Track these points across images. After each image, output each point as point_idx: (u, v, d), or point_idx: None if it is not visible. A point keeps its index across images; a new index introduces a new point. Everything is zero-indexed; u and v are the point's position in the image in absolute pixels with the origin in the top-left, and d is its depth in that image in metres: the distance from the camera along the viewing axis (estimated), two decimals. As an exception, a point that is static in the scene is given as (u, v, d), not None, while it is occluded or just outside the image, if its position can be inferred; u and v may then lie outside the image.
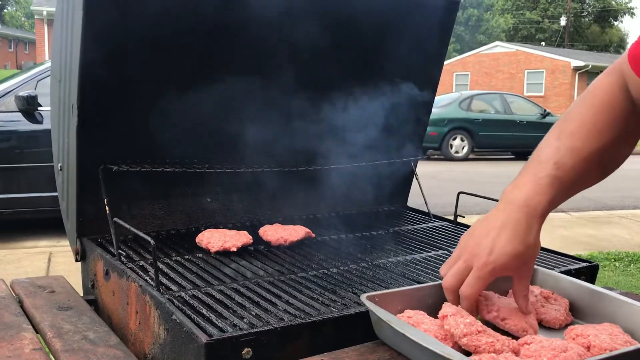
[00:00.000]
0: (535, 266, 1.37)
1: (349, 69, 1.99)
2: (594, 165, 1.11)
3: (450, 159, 13.26)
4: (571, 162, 1.09)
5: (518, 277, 1.10)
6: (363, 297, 1.14)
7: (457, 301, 1.12)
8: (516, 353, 1.05)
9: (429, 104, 2.30)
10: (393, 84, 2.08)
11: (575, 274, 1.50)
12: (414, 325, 1.09)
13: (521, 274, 1.10)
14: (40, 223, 5.49)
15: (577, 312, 1.26)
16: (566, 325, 1.21)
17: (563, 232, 6.42)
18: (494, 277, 1.08)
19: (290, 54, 1.86)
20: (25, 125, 5.20)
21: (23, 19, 62.66)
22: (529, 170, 1.12)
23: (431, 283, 1.31)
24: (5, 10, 63.00)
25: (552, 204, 1.10)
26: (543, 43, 46.10)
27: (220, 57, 1.76)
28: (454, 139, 13.41)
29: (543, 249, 1.73)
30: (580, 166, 1.09)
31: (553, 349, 1.03)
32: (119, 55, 1.58)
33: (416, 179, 2.25)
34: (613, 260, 5.17)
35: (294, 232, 1.71)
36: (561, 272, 1.43)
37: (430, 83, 2.24)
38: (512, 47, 32.06)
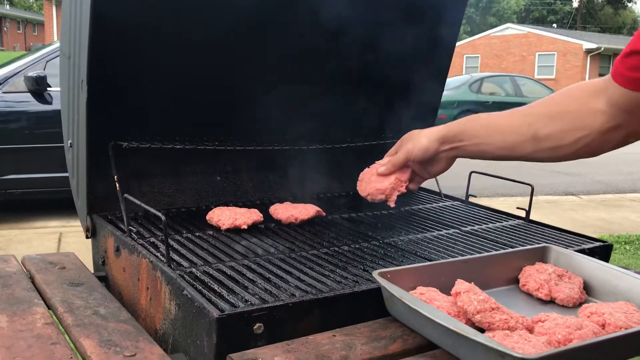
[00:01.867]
0: (550, 245, 1.36)
1: (359, 50, 1.96)
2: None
3: (459, 141, 13.17)
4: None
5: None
6: (375, 274, 1.13)
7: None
8: (530, 330, 1.04)
9: (441, 85, 2.27)
10: (404, 64, 2.06)
11: (589, 253, 1.48)
12: (426, 302, 1.09)
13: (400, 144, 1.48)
14: (51, 203, 5.52)
15: (592, 291, 1.25)
16: (580, 304, 1.20)
17: (573, 215, 6.39)
18: (396, 144, 1.50)
19: (302, 34, 1.84)
20: (34, 106, 5.21)
21: (31, 0, 62.60)
22: None
23: (444, 260, 1.30)
24: (13, -8, 62.92)
25: (448, 127, 1.37)
26: (555, 25, 45.56)
27: (233, 33, 1.73)
28: (464, 121, 13.31)
29: (556, 228, 1.71)
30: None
31: (568, 326, 1.02)
32: (129, 30, 1.56)
33: (427, 158, 2.22)
34: (624, 243, 5.14)
35: (305, 211, 1.70)
36: (575, 251, 1.41)
37: (441, 64, 2.21)
38: (524, 29, 31.71)
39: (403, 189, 1.52)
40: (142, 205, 1.37)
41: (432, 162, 1.44)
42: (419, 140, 1.41)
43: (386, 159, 1.53)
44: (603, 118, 1.11)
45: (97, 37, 1.46)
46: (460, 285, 1.09)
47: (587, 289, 1.25)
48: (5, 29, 49.22)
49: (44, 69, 5.33)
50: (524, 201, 1.81)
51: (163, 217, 1.24)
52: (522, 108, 1.27)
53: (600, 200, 7.30)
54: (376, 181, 1.53)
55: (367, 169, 1.59)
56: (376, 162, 1.56)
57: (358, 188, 1.59)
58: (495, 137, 1.27)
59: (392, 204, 1.53)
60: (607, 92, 1.10)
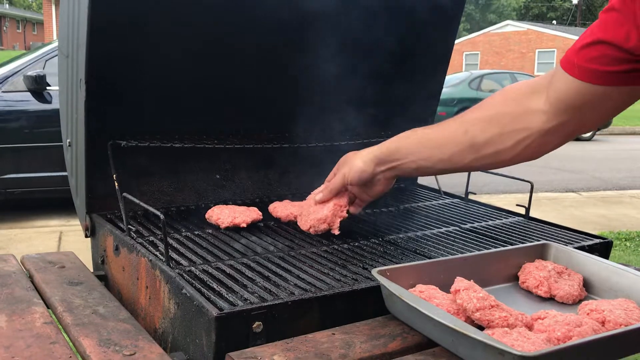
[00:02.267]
0: (549, 242, 1.36)
1: (357, 48, 1.96)
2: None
3: (459, 139, 13.15)
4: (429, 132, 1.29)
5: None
6: (374, 272, 1.13)
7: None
8: (529, 327, 1.04)
9: (440, 81, 2.27)
10: (404, 61, 2.05)
11: (589, 250, 1.48)
12: (425, 300, 1.09)
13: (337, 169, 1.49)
14: (51, 203, 5.52)
15: (591, 288, 1.24)
16: (580, 301, 1.20)
17: (574, 211, 6.39)
18: (334, 167, 1.49)
19: (301, 31, 1.83)
20: (34, 105, 5.21)
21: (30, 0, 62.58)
22: None
23: (443, 258, 1.30)
24: (12, -9, 62.83)
25: (382, 146, 1.36)
26: (554, 22, 45.52)
27: (232, 29, 1.73)
28: (464, 119, 13.28)
29: (556, 225, 1.71)
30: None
31: (567, 323, 1.02)
32: (127, 28, 1.56)
33: (427, 155, 2.22)
34: (624, 239, 5.14)
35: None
36: (575, 248, 1.41)
37: (441, 61, 2.21)
38: (523, 26, 31.71)
39: (344, 214, 1.52)
40: (141, 204, 1.36)
41: (370, 184, 1.42)
42: (354, 164, 1.38)
43: (323, 186, 1.51)
44: (543, 117, 1.08)
45: (96, 35, 1.46)
46: (460, 282, 1.09)
47: (587, 286, 1.25)
48: (4, 28, 49.20)
49: (44, 68, 5.33)
50: (523, 198, 1.81)
51: (162, 216, 1.23)
52: (456, 116, 1.22)
53: (601, 197, 7.29)
54: (315, 211, 1.53)
55: (303, 201, 1.60)
56: (312, 192, 1.56)
57: (299, 223, 1.59)
58: (432, 150, 1.23)
59: (336, 232, 1.52)
60: (550, 90, 1.06)
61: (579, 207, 6.66)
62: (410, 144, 1.28)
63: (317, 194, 1.53)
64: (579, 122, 1.07)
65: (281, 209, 1.70)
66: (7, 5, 53.31)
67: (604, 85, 0.98)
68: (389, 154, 1.31)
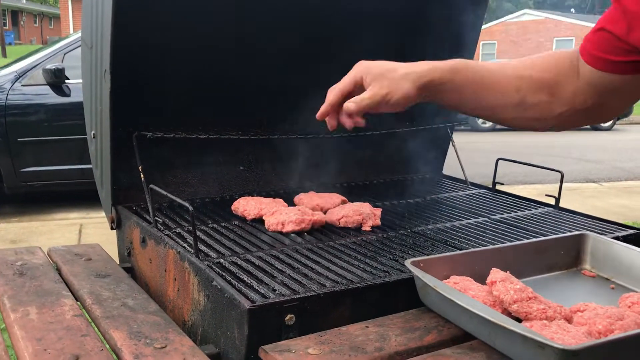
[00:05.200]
0: (586, 232, 1.32)
1: (381, 37, 1.92)
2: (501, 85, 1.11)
3: (476, 130, 13.04)
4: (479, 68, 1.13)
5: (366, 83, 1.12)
6: (407, 263, 1.11)
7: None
8: (568, 320, 1.02)
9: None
10: (429, 50, 2.01)
11: (624, 241, 1.44)
12: (461, 292, 1.06)
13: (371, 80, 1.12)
14: (70, 195, 5.55)
15: (633, 280, 1.20)
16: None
17: (595, 202, 6.29)
18: (356, 73, 1.13)
19: (324, 20, 1.80)
20: (53, 98, 5.22)
21: (47, -6, 63.01)
22: None
23: (477, 249, 1.27)
24: (29, -14, 63.30)
25: (433, 74, 1.11)
26: (573, 10, 44.89)
27: (256, 22, 1.71)
28: (481, 109, 13.16)
29: (588, 215, 1.67)
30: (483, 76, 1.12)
31: (609, 316, 0.99)
32: (152, 19, 1.54)
33: (452, 145, 2.19)
34: (648, 230, 5.04)
35: (330, 200, 1.68)
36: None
37: (466, 50, 2.17)
38: (541, 15, 31.31)
39: (378, 221, 1.58)
40: (169, 195, 1.35)
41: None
42: (400, 85, 1.10)
43: (363, 97, 1.13)
44: (581, 98, 1.05)
45: (120, 26, 1.44)
46: (496, 274, 1.06)
47: (628, 278, 1.21)
48: (22, 22, 49.62)
49: (62, 62, 5.34)
50: (544, 188, 1.78)
51: (190, 208, 1.22)
52: (514, 66, 1.13)
53: (622, 187, 7.18)
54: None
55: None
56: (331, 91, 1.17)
57: (327, 216, 1.58)
58: (481, 94, 1.12)
59: (367, 228, 1.54)
60: (581, 70, 1.03)
61: (600, 197, 6.56)
62: (464, 82, 1.12)
63: (350, 102, 1.14)
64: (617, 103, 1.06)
65: (307, 200, 1.68)
66: (23, 0, 53.72)
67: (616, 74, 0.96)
68: (439, 84, 1.11)
